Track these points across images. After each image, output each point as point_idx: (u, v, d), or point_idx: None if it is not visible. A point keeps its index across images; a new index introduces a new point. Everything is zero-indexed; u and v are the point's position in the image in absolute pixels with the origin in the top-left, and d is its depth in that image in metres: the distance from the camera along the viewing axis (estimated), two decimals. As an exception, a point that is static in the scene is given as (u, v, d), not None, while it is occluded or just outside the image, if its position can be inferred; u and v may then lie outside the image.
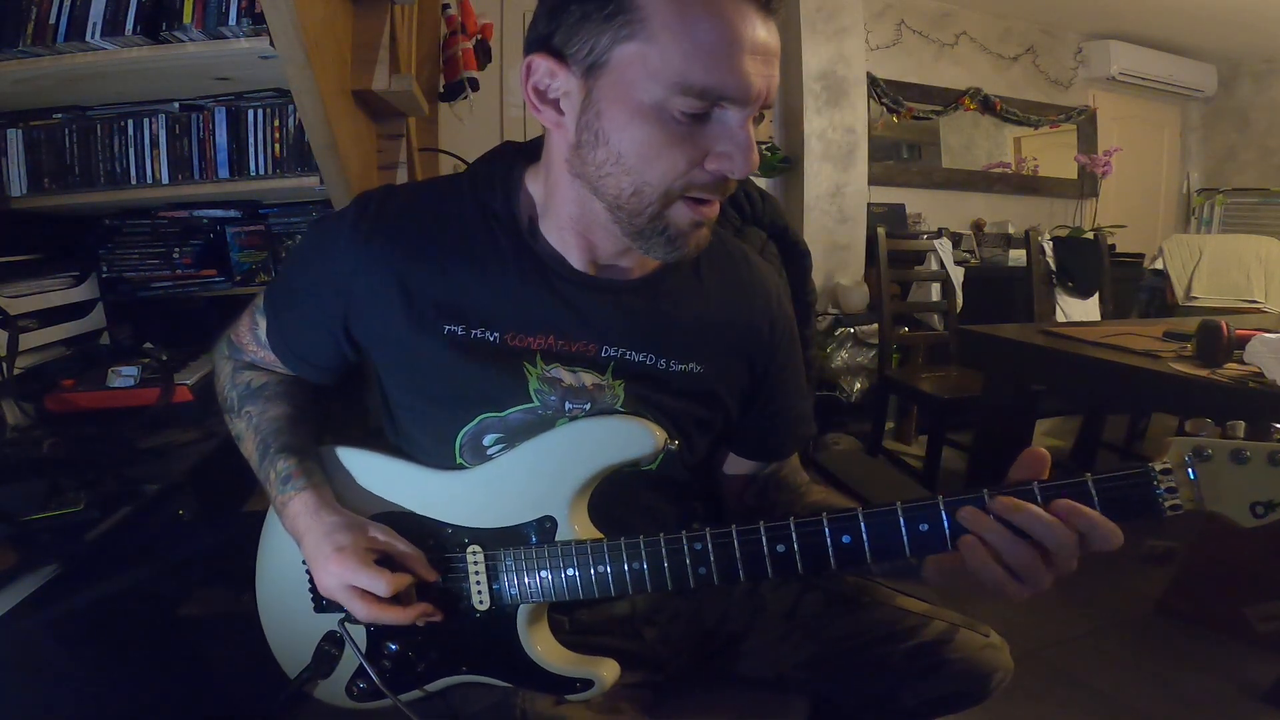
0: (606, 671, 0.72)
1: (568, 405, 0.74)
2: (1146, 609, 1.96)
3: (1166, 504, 0.58)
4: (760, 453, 0.88)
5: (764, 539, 0.66)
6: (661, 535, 0.68)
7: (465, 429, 0.75)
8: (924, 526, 0.62)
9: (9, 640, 0.73)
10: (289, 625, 0.81)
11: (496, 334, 0.72)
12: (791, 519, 0.65)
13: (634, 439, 0.70)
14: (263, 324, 0.81)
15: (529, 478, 0.73)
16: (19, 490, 0.91)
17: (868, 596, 0.86)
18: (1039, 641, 1.80)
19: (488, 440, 0.75)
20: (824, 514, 0.64)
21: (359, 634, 0.76)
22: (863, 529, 0.63)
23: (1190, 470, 0.57)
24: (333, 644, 0.77)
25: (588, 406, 0.74)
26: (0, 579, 0.75)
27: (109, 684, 0.89)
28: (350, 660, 0.77)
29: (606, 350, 0.74)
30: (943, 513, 0.62)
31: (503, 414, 0.74)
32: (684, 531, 0.68)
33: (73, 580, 0.80)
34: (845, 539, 0.64)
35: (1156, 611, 1.94)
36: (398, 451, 0.80)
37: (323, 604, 0.77)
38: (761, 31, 0.61)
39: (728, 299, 0.80)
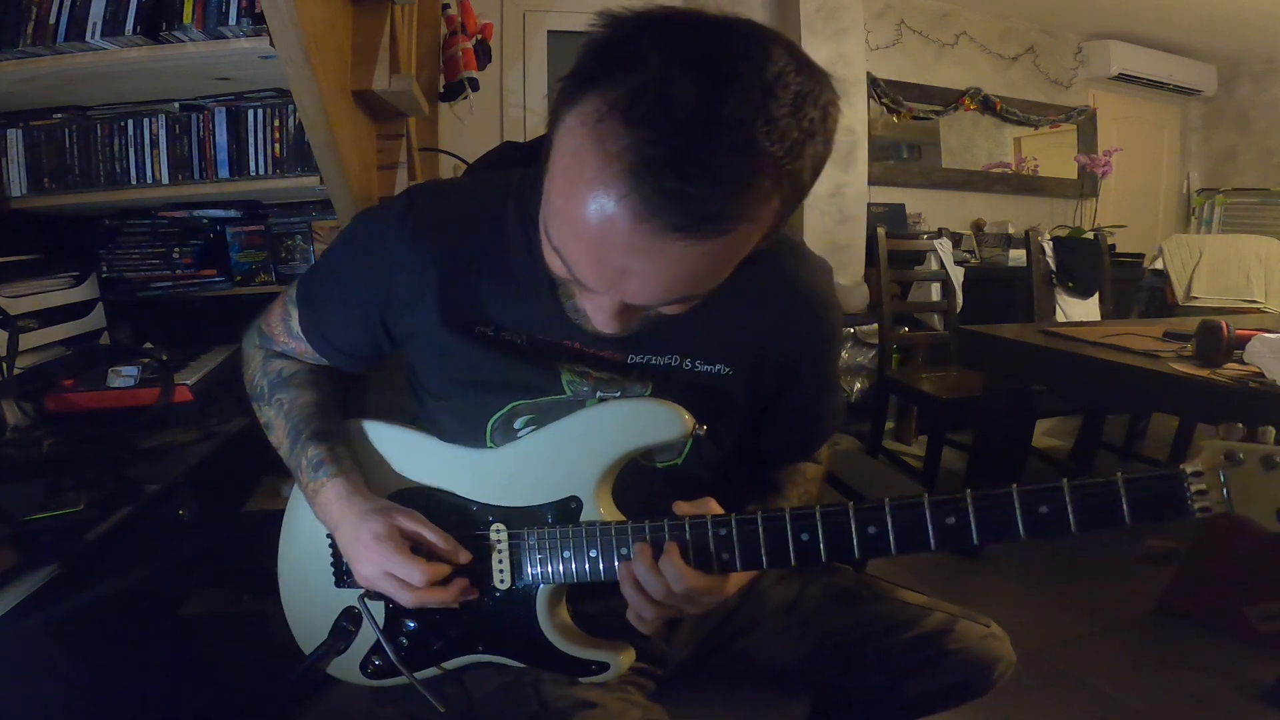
0: (623, 656, 0.73)
1: (599, 394, 0.74)
2: (1146, 609, 1.96)
3: (1196, 506, 0.58)
4: (771, 451, 0.87)
5: (788, 526, 0.65)
6: (686, 519, 0.67)
7: (497, 414, 0.75)
8: (950, 520, 0.62)
9: (9, 640, 0.73)
10: (308, 599, 0.81)
11: (525, 338, 0.73)
12: (817, 507, 0.65)
13: (662, 421, 0.70)
14: (295, 314, 0.81)
15: (555, 458, 0.72)
16: (19, 490, 0.91)
17: (868, 590, 0.86)
18: (1039, 641, 1.80)
19: (518, 424, 0.76)
20: (850, 504, 0.65)
21: (378, 610, 0.76)
22: (888, 520, 0.64)
23: (1222, 474, 0.58)
24: (350, 620, 0.77)
25: (619, 395, 0.74)
26: (0, 579, 0.75)
27: (109, 684, 0.89)
28: (366, 637, 0.77)
29: (632, 358, 0.74)
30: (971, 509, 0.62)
31: (534, 400, 0.75)
32: (709, 516, 0.67)
33: (73, 580, 0.80)
34: (870, 529, 0.64)
35: (1156, 611, 1.94)
36: (424, 427, 0.80)
37: (344, 579, 0.78)
38: (660, 248, 0.51)
39: (767, 297, 0.76)
